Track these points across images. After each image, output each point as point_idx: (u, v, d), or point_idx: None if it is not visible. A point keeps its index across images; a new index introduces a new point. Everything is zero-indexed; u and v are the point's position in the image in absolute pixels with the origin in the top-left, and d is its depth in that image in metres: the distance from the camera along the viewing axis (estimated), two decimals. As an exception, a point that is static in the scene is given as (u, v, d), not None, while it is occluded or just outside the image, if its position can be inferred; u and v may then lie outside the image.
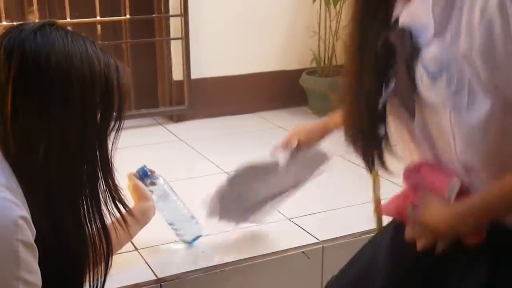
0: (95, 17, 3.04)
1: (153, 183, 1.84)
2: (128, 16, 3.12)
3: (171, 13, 3.19)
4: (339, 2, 3.26)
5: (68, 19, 2.98)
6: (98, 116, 1.14)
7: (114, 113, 1.17)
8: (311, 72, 3.43)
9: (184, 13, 3.16)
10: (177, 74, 3.25)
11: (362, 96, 1.22)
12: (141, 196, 1.78)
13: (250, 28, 3.35)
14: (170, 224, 1.87)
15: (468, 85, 1.05)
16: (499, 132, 1.08)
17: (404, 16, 1.16)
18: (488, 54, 1.02)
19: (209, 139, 2.99)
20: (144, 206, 1.76)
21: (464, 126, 1.08)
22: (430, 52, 1.11)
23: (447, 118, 1.09)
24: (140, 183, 1.81)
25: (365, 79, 1.20)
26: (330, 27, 3.35)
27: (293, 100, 3.47)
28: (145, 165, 1.85)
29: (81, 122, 1.11)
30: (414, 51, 1.12)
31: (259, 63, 3.41)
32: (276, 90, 3.46)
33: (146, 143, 2.90)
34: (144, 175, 1.84)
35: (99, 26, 3.06)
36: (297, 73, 3.43)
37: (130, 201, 1.58)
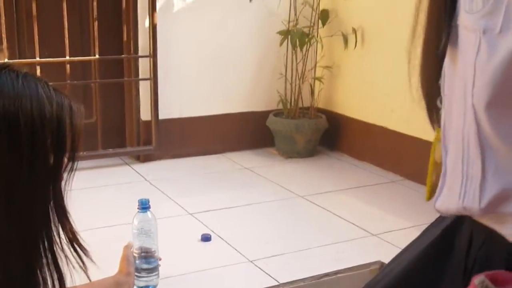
0: (65, 57, 3.06)
1: (144, 215, 1.87)
2: (97, 56, 3.15)
3: (140, 54, 3.22)
4: (305, 45, 3.33)
5: (38, 58, 3.00)
6: (51, 158, 1.15)
7: (67, 155, 1.17)
8: (277, 113, 3.48)
9: (153, 54, 3.20)
10: (145, 114, 3.28)
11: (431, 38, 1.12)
12: (124, 269, 1.81)
13: (218, 69, 3.40)
14: (135, 261, 1.88)
15: (506, 4, 0.94)
16: None
17: None
18: None
19: (175, 179, 3.01)
20: (122, 279, 1.79)
21: (491, 57, 0.96)
22: None
23: (475, 47, 0.98)
24: (131, 257, 1.83)
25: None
26: (297, 69, 3.41)
27: (260, 141, 3.51)
28: (148, 200, 1.88)
29: (31, 165, 1.11)
30: None
31: (227, 104, 3.46)
32: (243, 131, 3.50)
33: (112, 183, 2.91)
34: (142, 206, 1.87)
35: (68, 66, 3.08)
36: (264, 114, 3.48)
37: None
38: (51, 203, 1.16)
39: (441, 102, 1.17)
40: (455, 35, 1.07)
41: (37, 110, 1.11)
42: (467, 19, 1.01)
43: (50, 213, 1.17)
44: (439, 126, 1.18)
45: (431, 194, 1.23)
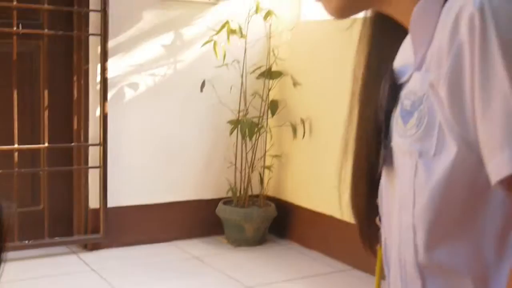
0: (13, 145, 3.05)
1: None
2: (46, 144, 3.14)
3: (90, 142, 3.24)
4: (254, 135, 3.40)
5: (-15, 146, 2.99)
6: None
7: None
8: (227, 202, 3.49)
9: (103, 143, 3.21)
10: (94, 202, 3.26)
11: (363, 157, 1.13)
12: None
13: (168, 157, 3.43)
14: None
15: (438, 128, 0.94)
16: (465, 192, 0.94)
17: (396, 61, 1.09)
18: (454, 85, 0.90)
19: (122, 269, 2.97)
20: None
21: (429, 178, 0.96)
22: (408, 87, 1.01)
23: (412, 169, 0.99)
24: None
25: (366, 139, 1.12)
26: (246, 158, 3.46)
27: (209, 229, 3.51)
28: None
29: None
30: (393, 94, 1.05)
31: (176, 192, 3.47)
32: (193, 219, 3.50)
33: (56, 274, 2.85)
34: None
35: (16, 154, 3.06)
36: (214, 202, 3.49)
37: None
38: None
39: (380, 220, 1.17)
40: (389, 156, 1.08)
41: None
42: (402, 142, 1.03)
43: None
44: (369, 246, 1.21)
45: None
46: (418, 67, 1.00)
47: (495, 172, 0.86)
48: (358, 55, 1.23)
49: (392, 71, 1.08)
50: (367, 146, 1.16)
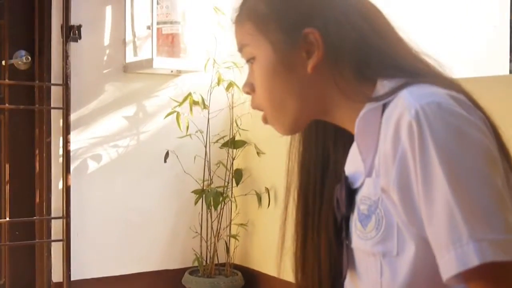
0: (-26, 220, 3.03)
1: None
2: (8, 218, 3.11)
3: (53, 215, 3.21)
4: (219, 205, 3.38)
5: None
6: None
7: None
8: (193, 271, 3.46)
9: (66, 215, 3.18)
10: (57, 275, 3.22)
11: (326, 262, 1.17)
12: None
13: (133, 228, 3.40)
14: None
15: (396, 229, 0.99)
16: (429, 283, 0.98)
17: (346, 167, 1.15)
18: (404, 190, 0.95)
19: None
20: None
21: (395, 277, 1.01)
22: (362, 192, 1.07)
23: (377, 269, 1.04)
24: None
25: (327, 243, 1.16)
26: (212, 227, 3.44)
27: (176, 300, 3.47)
28: None
29: None
30: (349, 199, 1.10)
31: (142, 263, 3.43)
32: (159, 290, 3.47)
33: None
34: None
35: (-23, 229, 3.04)
36: (180, 272, 3.46)
37: None
38: None
39: None
40: (351, 257, 1.12)
41: None
42: (363, 244, 1.07)
43: None
44: None
45: None
46: (369, 174, 1.06)
47: (445, 271, 0.91)
48: (293, 151, 1.29)
49: (346, 178, 1.13)
50: (319, 251, 1.22)
